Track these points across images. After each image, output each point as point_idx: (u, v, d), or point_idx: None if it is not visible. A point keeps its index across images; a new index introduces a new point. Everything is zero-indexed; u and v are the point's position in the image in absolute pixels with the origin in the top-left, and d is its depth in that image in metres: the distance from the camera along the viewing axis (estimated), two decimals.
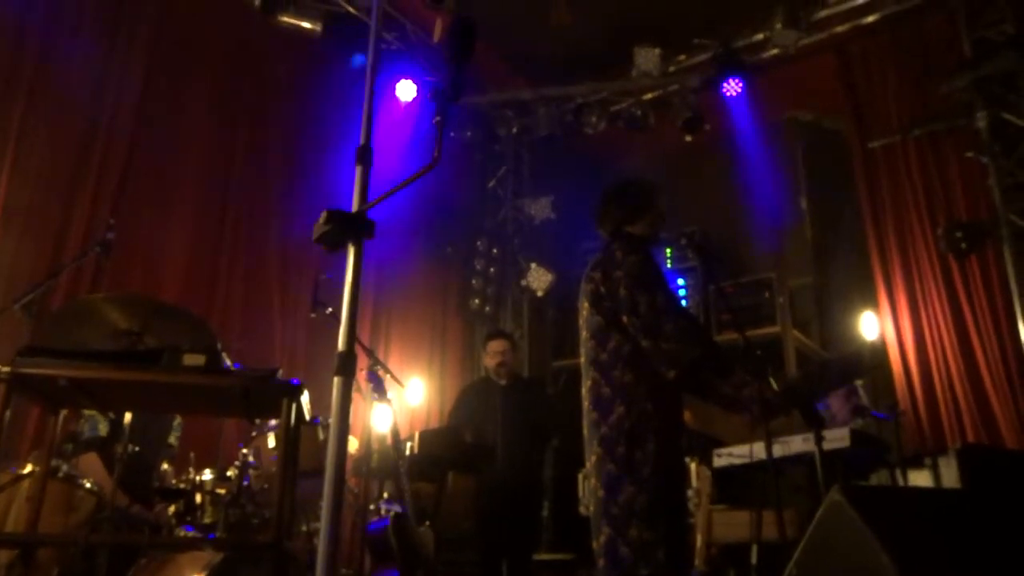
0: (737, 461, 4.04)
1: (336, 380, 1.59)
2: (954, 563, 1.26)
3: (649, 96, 7.04)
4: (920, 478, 4.07)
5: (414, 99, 6.61)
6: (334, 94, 6.14)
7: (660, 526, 2.68)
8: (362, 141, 1.79)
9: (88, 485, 3.29)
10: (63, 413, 2.83)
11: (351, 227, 1.66)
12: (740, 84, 6.43)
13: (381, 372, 4.18)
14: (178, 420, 4.06)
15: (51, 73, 4.68)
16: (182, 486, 3.65)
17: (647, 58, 6.59)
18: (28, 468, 3.26)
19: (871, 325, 5.76)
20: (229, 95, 5.74)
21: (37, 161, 4.55)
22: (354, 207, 1.68)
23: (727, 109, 6.62)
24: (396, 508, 4.28)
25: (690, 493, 4.71)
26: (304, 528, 4.05)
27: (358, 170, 1.75)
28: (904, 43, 6.00)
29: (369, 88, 1.86)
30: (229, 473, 3.74)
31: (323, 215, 1.64)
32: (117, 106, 4.99)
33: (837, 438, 3.66)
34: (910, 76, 5.95)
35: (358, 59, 6.11)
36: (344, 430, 1.58)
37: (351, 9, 6.11)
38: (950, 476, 3.91)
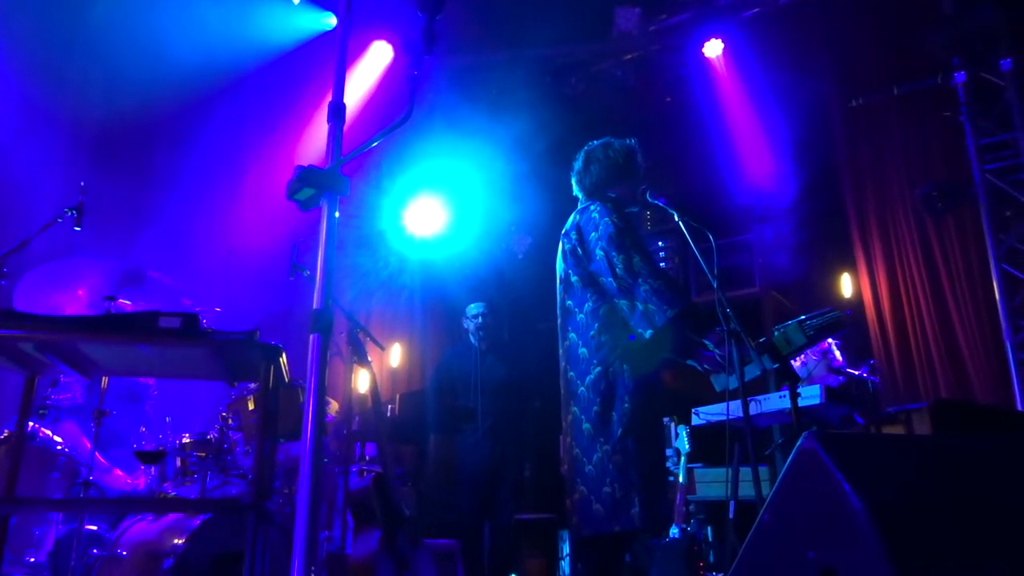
0: (714, 419, 4.09)
1: (312, 338, 1.58)
2: (927, 508, 1.28)
3: (629, 56, 6.97)
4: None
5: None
6: None
7: (634, 485, 2.71)
8: (334, 98, 1.76)
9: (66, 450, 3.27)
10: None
11: (324, 184, 1.63)
12: (721, 43, 6.38)
13: (361, 335, 4.14)
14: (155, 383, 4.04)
15: None
16: (161, 449, 3.64)
17: (628, 18, 6.51)
18: (5, 434, 3.24)
19: (848, 285, 5.82)
20: None
21: None
22: (327, 163, 1.66)
23: (708, 68, 6.57)
24: (377, 470, 4.29)
25: (669, 452, 4.78)
26: (286, 491, 4.05)
27: (330, 126, 1.72)
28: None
29: (341, 45, 1.83)
30: (208, 436, 3.73)
31: (295, 172, 1.61)
32: None
33: (811, 395, 3.70)
34: (890, 34, 5.92)
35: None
36: (321, 390, 1.57)
37: None
38: (922, 431, 3.97)
